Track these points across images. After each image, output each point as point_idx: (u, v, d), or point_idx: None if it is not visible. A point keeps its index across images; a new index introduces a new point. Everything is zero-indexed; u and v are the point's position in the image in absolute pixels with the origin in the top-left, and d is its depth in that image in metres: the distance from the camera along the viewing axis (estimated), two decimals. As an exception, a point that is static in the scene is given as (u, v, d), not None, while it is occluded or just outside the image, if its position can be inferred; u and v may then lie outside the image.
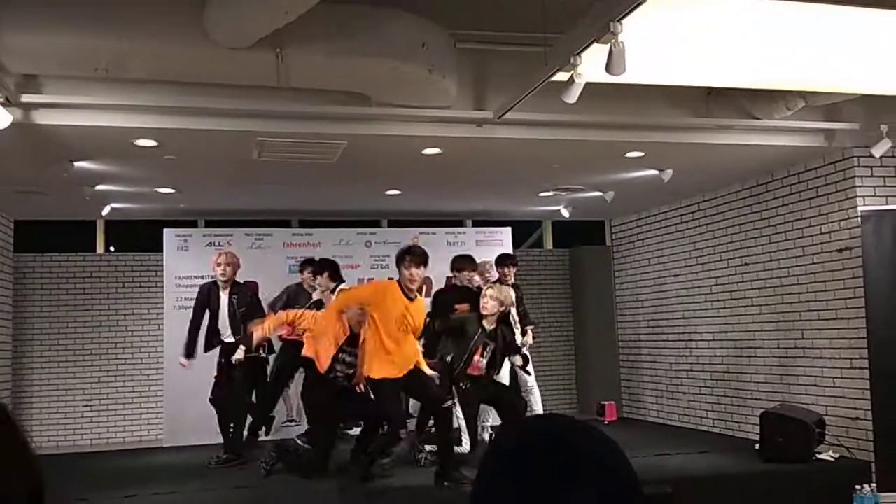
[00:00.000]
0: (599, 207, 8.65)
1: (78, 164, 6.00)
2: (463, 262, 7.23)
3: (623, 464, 0.91)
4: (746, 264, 7.58)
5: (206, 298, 6.76)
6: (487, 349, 5.95)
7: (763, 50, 4.39)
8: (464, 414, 6.26)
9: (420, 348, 5.88)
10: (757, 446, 6.45)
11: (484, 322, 6.03)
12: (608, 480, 0.88)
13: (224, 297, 6.72)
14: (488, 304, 6.03)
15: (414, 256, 5.49)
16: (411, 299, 5.51)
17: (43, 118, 4.88)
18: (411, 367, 5.56)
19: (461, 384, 5.98)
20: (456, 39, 5.02)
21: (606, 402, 9.26)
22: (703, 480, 5.77)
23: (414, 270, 5.45)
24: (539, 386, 9.96)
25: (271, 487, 5.73)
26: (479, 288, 6.69)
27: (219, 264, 6.74)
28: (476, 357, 5.92)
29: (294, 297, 7.29)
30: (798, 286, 6.93)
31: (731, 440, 7.47)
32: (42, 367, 8.80)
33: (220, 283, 6.76)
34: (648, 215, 9.22)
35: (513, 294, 6.73)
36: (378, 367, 5.43)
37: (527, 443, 0.92)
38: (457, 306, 6.69)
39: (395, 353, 5.44)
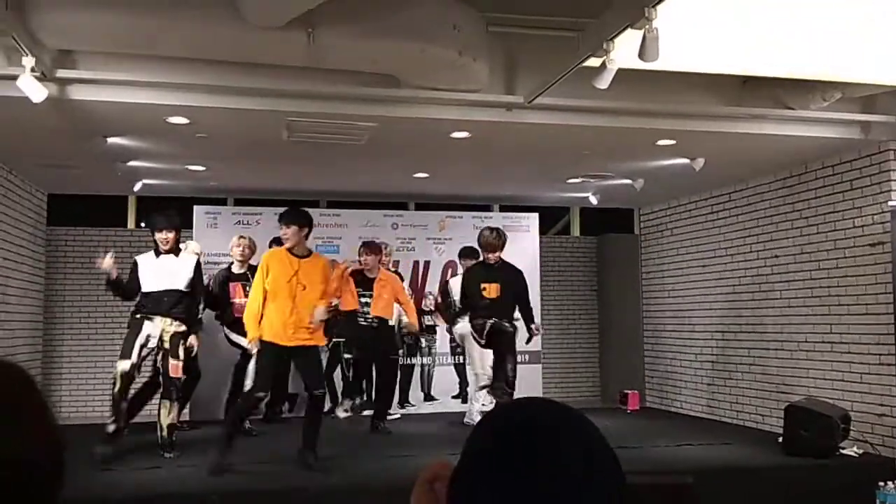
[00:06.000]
0: (628, 195, 8.59)
1: (111, 139, 6.08)
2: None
3: (601, 445, 0.90)
4: (776, 257, 7.49)
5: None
6: None
7: (800, 39, 4.32)
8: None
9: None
10: (780, 439, 6.40)
11: None
12: (589, 467, 0.86)
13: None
14: None
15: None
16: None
17: (78, 94, 4.95)
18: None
19: None
20: (488, 22, 4.99)
21: (629, 391, 9.24)
22: (725, 472, 5.75)
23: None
24: (562, 373, 10.02)
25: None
26: None
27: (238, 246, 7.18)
28: None
29: None
30: (828, 280, 6.84)
31: (754, 433, 7.42)
32: (72, 338, 8.96)
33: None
34: (678, 204, 9.14)
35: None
36: None
37: (503, 429, 0.90)
38: None
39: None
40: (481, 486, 0.86)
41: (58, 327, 8.93)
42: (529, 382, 8.67)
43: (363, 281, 7.05)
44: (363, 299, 7.02)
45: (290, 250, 5.55)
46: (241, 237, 7.38)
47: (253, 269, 7.05)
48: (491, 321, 6.60)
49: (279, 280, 5.45)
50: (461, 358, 8.48)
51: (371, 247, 7.23)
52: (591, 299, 10.36)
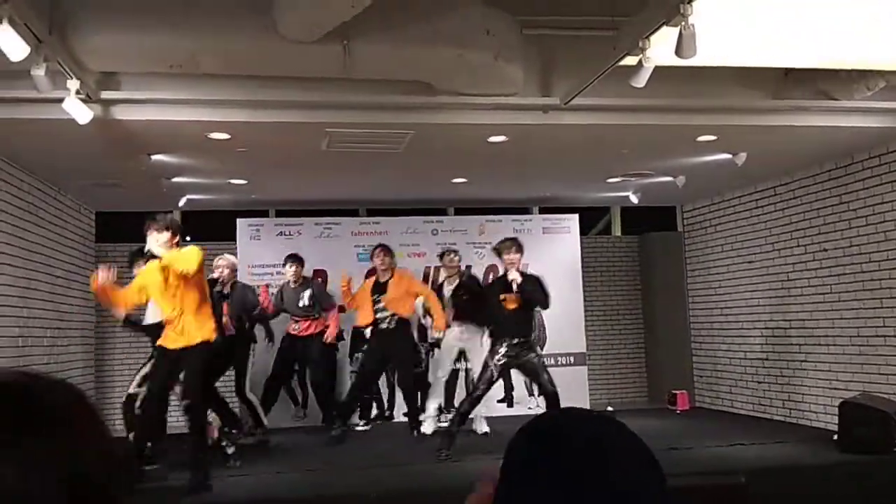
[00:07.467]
0: (670, 193, 8.49)
1: (155, 157, 6.20)
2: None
3: (625, 452, 0.93)
4: (825, 250, 7.34)
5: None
6: None
7: (841, 29, 4.23)
8: None
9: None
10: (835, 437, 6.26)
11: None
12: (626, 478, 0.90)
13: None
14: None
15: None
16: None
17: (121, 114, 5.07)
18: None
19: None
20: (522, 26, 4.98)
21: (678, 391, 9.12)
22: (779, 471, 5.64)
23: None
24: (608, 374, 9.93)
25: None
26: None
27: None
28: None
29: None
30: (880, 272, 6.67)
31: (808, 430, 7.27)
32: (123, 352, 9.13)
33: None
34: (722, 200, 9.00)
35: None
36: None
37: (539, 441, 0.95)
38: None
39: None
40: (510, 494, 0.93)
41: (109, 342, 9.11)
42: (576, 384, 8.62)
43: (377, 286, 7.11)
44: (378, 306, 7.02)
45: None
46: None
47: None
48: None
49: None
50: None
51: (385, 248, 7.22)
52: (636, 299, 10.26)
